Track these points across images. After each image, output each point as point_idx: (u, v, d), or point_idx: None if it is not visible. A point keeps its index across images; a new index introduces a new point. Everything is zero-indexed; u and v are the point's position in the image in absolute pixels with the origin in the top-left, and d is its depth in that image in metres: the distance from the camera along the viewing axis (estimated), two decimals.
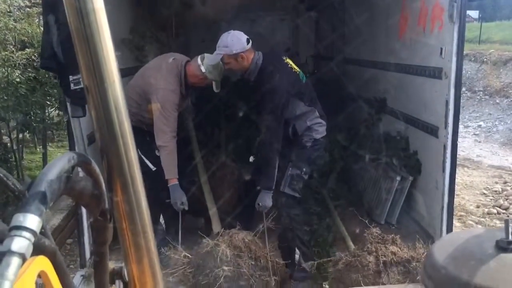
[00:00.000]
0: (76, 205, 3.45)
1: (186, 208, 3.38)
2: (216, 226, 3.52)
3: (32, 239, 0.59)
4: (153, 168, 3.44)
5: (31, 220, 0.60)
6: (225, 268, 2.75)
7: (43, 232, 0.80)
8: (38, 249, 0.75)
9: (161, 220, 3.63)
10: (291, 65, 3.36)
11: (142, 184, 0.83)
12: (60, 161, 0.68)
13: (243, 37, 3.23)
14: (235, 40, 3.19)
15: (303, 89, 3.34)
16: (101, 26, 0.73)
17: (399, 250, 2.82)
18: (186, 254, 2.95)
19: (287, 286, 3.17)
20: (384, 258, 2.75)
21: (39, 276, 0.71)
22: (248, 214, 3.48)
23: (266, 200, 3.15)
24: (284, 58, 3.42)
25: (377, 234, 2.94)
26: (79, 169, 0.82)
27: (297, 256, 3.20)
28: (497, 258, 0.72)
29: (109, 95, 0.74)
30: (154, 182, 3.30)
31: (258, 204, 3.18)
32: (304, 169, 3.28)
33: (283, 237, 3.31)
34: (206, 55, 3.46)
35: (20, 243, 0.58)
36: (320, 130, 3.35)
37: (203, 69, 3.40)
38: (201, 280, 2.78)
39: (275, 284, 2.88)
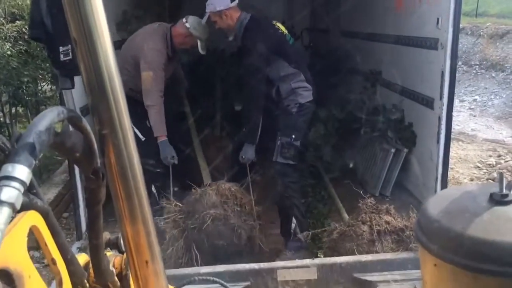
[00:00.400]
0: (71, 178, 3.44)
1: (176, 162, 3.49)
2: (206, 179, 3.71)
3: (22, 189, 0.58)
4: (142, 138, 3.50)
5: (20, 171, 0.59)
6: (212, 212, 2.91)
7: (35, 193, 0.79)
8: (30, 207, 0.74)
9: (153, 190, 3.65)
10: (278, 26, 3.38)
11: (134, 140, 0.81)
12: (49, 113, 0.66)
13: None
14: None
15: (289, 51, 3.36)
16: None
17: (393, 219, 2.84)
18: (176, 203, 3.12)
19: (282, 255, 3.22)
20: (378, 228, 2.77)
21: (31, 231, 0.71)
22: (235, 170, 3.55)
23: (248, 152, 3.28)
24: (274, 22, 3.43)
25: (371, 204, 2.96)
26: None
27: (293, 225, 3.23)
28: (491, 211, 0.72)
29: (98, 48, 0.72)
30: (144, 152, 3.31)
31: (242, 157, 3.28)
32: (293, 136, 3.28)
33: (280, 206, 3.34)
34: (190, 16, 3.61)
35: (10, 192, 0.57)
36: (305, 95, 3.33)
37: (187, 25, 3.52)
38: (191, 224, 2.94)
39: (259, 228, 3.07)
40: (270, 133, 3.33)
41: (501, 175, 0.74)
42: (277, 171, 3.33)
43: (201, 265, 2.81)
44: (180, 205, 3.10)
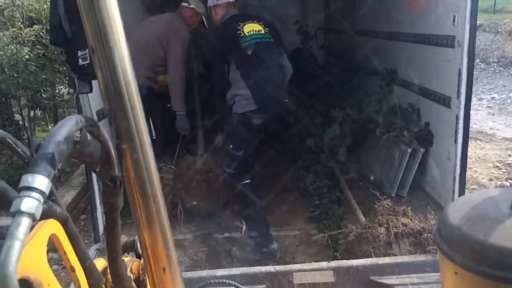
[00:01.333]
0: (88, 181, 3.48)
1: (188, 132, 4.17)
2: (200, 149, 4.29)
3: (41, 200, 0.59)
4: (154, 136, 3.83)
5: (40, 181, 0.59)
6: (198, 177, 3.61)
7: (54, 199, 0.80)
8: (49, 215, 0.75)
9: None
10: (242, 28, 3.29)
11: (151, 147, 0.82)
12: (67, 122, 0.67)
13: None
14: None
15: (237, 54, 3.24)
16: None
17: (410, 221, 2.81)
18: (171, 166, 3.79)
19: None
20: (395, 230, 2.74)
21: (50, 239, 0.72)
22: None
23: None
24: (245, 22, 3.35)
25: (388, 206, 2.93)
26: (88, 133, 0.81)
27: (243, 228, 3.24)
28: None
29: (115, 55, 0.73)
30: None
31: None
32: (231, 146, 3.20)
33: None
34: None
35: (30, 203, 0.57)
36: (242, 104, 3.15)
37: (193, 5, 3.98)
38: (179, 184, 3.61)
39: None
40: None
41: None
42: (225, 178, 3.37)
43: (184, 222, 3.48)
44: (174, 168, 3.76)
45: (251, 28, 3.30)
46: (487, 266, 0.66)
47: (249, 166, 3.32)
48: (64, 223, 0.78)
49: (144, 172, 0.82)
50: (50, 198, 0.77)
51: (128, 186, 0.82)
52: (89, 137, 0.76)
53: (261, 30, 3.33)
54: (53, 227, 0.71)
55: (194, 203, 3.60)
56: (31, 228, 0.60)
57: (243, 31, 3.28)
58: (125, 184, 0.83)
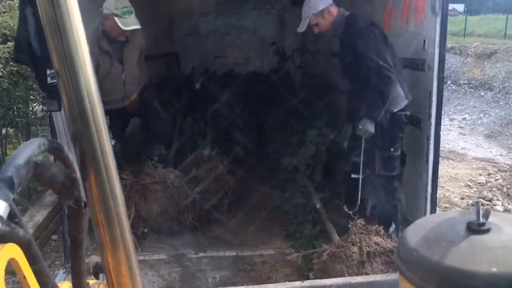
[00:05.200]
0: (60, 201, 3.42)
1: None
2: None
3: None
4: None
5: None
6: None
7: (17, 222, 0.79)
8: (10, 238, 0.74)
9: None
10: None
11: (116, 171, 0.82)
12: (29, 146, 0.67)
13: None
14: None
15: (388, 50, 3.26)
16: (71, 8, 0.72)
17: (383, 240, 2.84)
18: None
19: None
20: (368, 249, 2.77)
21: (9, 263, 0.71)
22: None
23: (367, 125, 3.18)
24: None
25: (361, 225, 2.96)
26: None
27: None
28: (467, 240, 0.73)
29: (80, 79, 0.73)
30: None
31: (359, 127, 3.20)
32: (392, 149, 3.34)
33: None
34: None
35: None
36: (396, 103, 3.24)
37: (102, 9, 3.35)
38: None
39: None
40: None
41: (477, 204, 0.75)
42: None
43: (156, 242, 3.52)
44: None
45: None
46: (442, 287, 0.69)
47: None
48: (26, 246, 0.77)
49: (109, 194, 0.82)
50: (12, 220, 0.76)
51: (92, 208, 0.82)
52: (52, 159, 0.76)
53: None
54: (12, 251, 0.70)
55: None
56: None
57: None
58: (89, 205, 0.82)
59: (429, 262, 0.71)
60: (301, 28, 3.47)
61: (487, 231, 0.73)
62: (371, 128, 3.16)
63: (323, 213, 3.98)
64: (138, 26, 3.32)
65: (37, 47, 2.52)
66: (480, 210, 0.75)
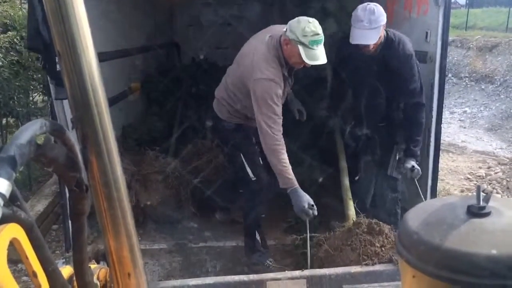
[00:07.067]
0: (60, 190, 3.43)
1: (316, 213, 2.80)
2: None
3: (1, 202, 0.58)
4: (252, 177, 3.06)
5: (0, 183, 0.59)
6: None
7: (19, 205, 0.79)
8: (12, 219, 0.74)
9: (257, 236, 3.38)
10: None
11: (118, 153, 0.82)
12: (31, 126, 0.67)
13: None
14: (381, 9, 2.94)
15: None
16: None
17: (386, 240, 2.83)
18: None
19: None
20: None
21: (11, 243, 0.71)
22: None
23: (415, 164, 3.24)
24: None
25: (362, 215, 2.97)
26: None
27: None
28: (468, 223, 0.73)
29: (82, 61, 0.73)
30: (252, 194, 3.16)
31: (408, 167, 3.24)
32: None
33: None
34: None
35: None
36: None
37: (285, 29, 2.73)
38: None
39: None
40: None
41: (478, 188, 0.75)
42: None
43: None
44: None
45: None
46: (442, 268, 0.69)
47: None
48: (28, 229, 0.77)
49: (111, 177, 0.82)
50: (14, 203, 0.76)
51: (94, 191, 0.82)
52: (53, 141, 0.76)
53: None
54: (14, 231, 0.70)
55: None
56: None
57: None
58: (91, 189, 0.82)
59: (429, 244, 0.71)
60: (370, 39, 2.93)
61: (487, 214, 0.74)
62: (417, 165, 3.24)
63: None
64: (324, 62, 2.68)
65: (46, 34, 2.51)
66: (481, 194, 0.75)
